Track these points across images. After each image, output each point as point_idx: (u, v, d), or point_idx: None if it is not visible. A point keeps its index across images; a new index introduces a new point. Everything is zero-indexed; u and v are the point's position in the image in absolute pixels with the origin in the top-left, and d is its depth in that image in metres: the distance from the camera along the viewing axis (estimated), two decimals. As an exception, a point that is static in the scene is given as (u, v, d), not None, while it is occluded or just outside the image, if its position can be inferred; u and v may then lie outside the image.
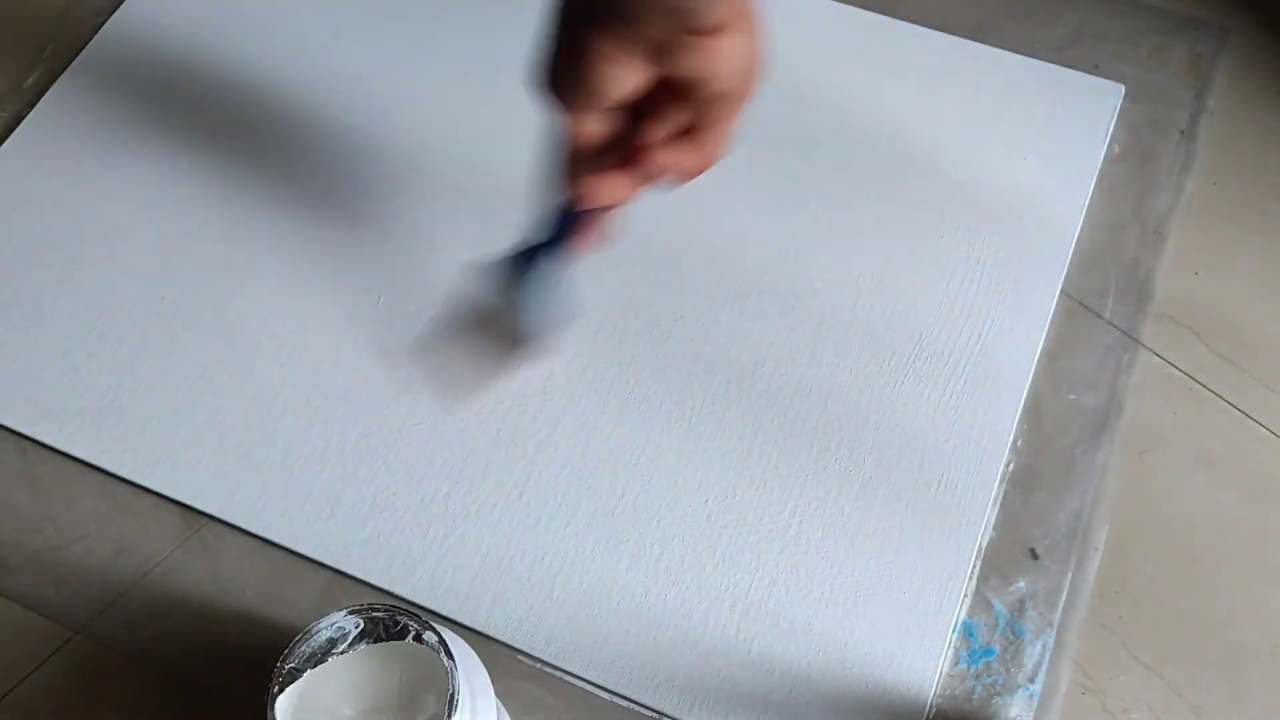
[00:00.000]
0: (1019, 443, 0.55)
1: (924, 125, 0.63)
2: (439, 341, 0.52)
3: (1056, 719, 0.50)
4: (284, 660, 0.41)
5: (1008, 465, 0.54)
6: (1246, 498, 0.53)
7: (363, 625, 0.42)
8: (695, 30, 0.38)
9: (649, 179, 0.43)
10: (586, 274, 0.59)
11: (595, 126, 0.42)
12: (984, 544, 0.53)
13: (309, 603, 0.53)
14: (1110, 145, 0.61)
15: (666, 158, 0.42)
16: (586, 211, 0.45)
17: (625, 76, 0.40)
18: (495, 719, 0.44)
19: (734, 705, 0.50)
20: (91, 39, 0.68)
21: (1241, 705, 0.50)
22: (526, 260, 0.48)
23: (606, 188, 0.43)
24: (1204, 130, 0.62)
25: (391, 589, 0.53)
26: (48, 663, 0.53)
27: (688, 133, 0.42)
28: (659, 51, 0.39)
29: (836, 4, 0.67)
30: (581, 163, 0.43)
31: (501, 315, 0.49)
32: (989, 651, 0.51)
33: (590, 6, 0.39)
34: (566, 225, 0.46)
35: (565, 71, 0.41)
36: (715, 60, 0.39)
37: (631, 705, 0.50)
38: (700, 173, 0.43)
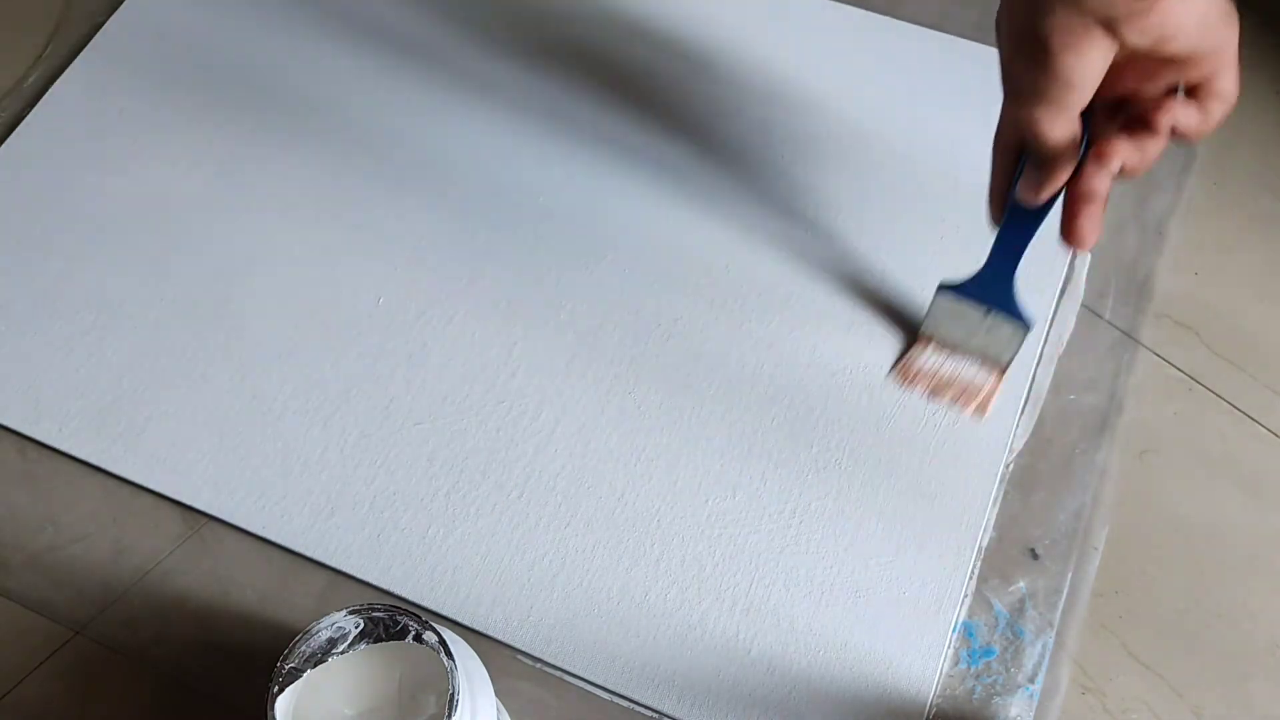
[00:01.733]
0: (1019, 443, 0.55)
1: (924, 125, 0.63)
2: (925, 367, 0.54)
3: (1056, 719, 0.50)
4: (284, 660, 0.41)
5: (1007, 465, 0.54)
6: (1246, 498, 0.53)
7: (363, 625, 0.42)
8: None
9: (1153, 144, 0.43)
10: (586, 274, 0.59)
11: (1071, 127, 0.43)
12: (984, 544, 0.53)
13: (309, 603, 0.53)
14: (1110, 145, 0.61)
15: (1168, 120, 0.42)
16: (1073, 194, 0.46)
17: (1092, 61, 0.41)
18: (495, 719, 0.44)
19: (734, 705, 0.50)
20: (91, 39, 0.68)
21: (1241, 705, 0.50)
22: (1008, 261, 0.51)
23: (1116, 152, 0.43)
24: (1204, 130, 0.62)
25: (391, 589, 0.53)
26: (48, 663, 0.53)
27: (1190, 93, 0.43)
28: (1110, 26, 0.39)
29: (835, 3, 0.67)
30: (1061, 159, 0.44)
31: (981, 330, 0.54)
32: (989, 651, 0.51)
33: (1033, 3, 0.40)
34: (1040, 214, 0.48)
35: (1032, 69, 0.42)
36: (1166, 23, 0.40)
37: (631, 705, 0.50)
38: (1205, 134, 0.44)
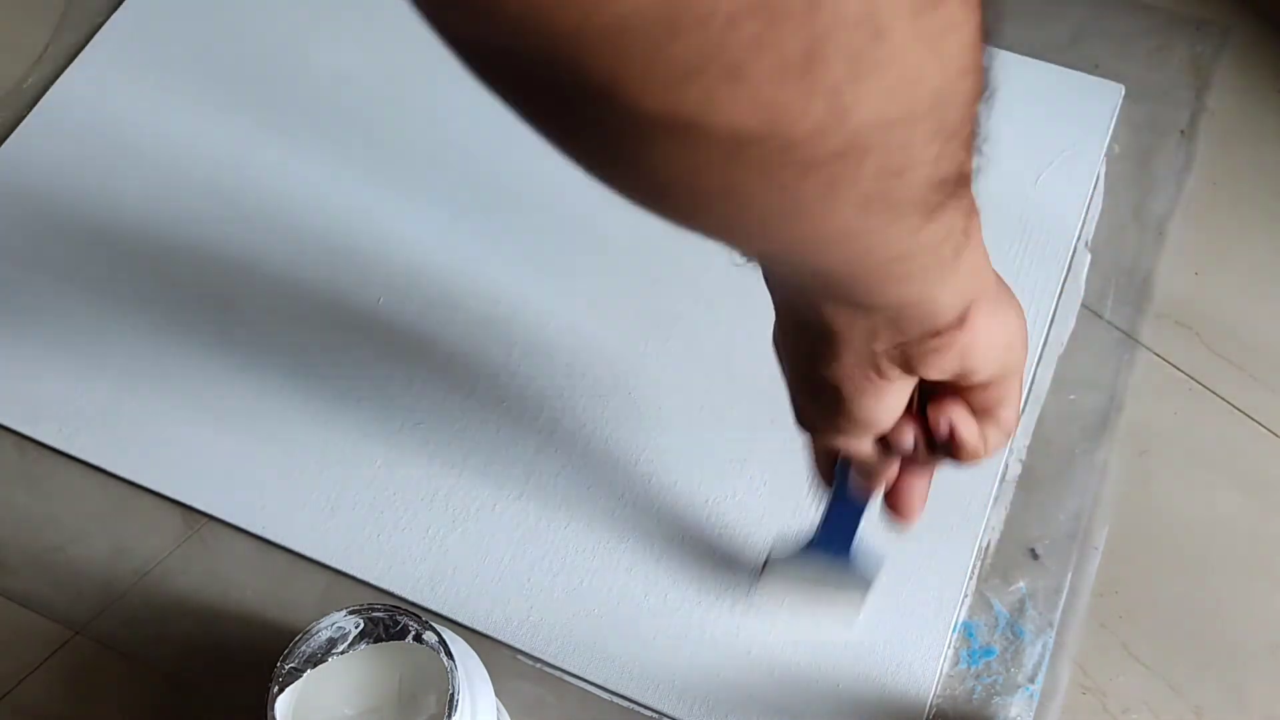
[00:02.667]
0: (1019, 443, 0.55)
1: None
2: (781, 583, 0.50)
3: (1056, 719, 0.50)
4: (284, 660, 0.41)
5: (1007, 465, 0.54)
6: (1246, 498, 0.53)
7: (363, 625, 0.42)
8: (935, 333, 0.35)
9: (939, 463, 0.40)
10: (586, 274, 0.59)
11: (873, 447, 0.40)
12: (984, 544, 0.53)
13: (309, 603, 0.53)
14: (1110, 145, 0.61)
15: (958, 446, 0.39)
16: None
17: (890, 402, 0.37)
18: (495, 719, 0.44)
19: (734, 705, 0.50)
20: (91, 39, 0.68)
21: (1242, 705, 0.50)
22: (835, 539, 0.46)
23: (904, 486, 0.41)
24: (1204, 130, 0.62)
25: (391, 589, 0.53)
26: (48, 663, 0.53)
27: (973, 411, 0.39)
28: (908, 366, 0.36)
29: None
30: (869, 467, 0.41)
31: (826, 582, 0.49)
32: (989, 651, 0.51)
33: (818, 341, 0.36)
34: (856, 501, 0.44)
35: (826, 413, 0.38)
36: (968, 359, 0.36)
37: (631, 705, 0.50)
38: (977, 459, 0.40)
